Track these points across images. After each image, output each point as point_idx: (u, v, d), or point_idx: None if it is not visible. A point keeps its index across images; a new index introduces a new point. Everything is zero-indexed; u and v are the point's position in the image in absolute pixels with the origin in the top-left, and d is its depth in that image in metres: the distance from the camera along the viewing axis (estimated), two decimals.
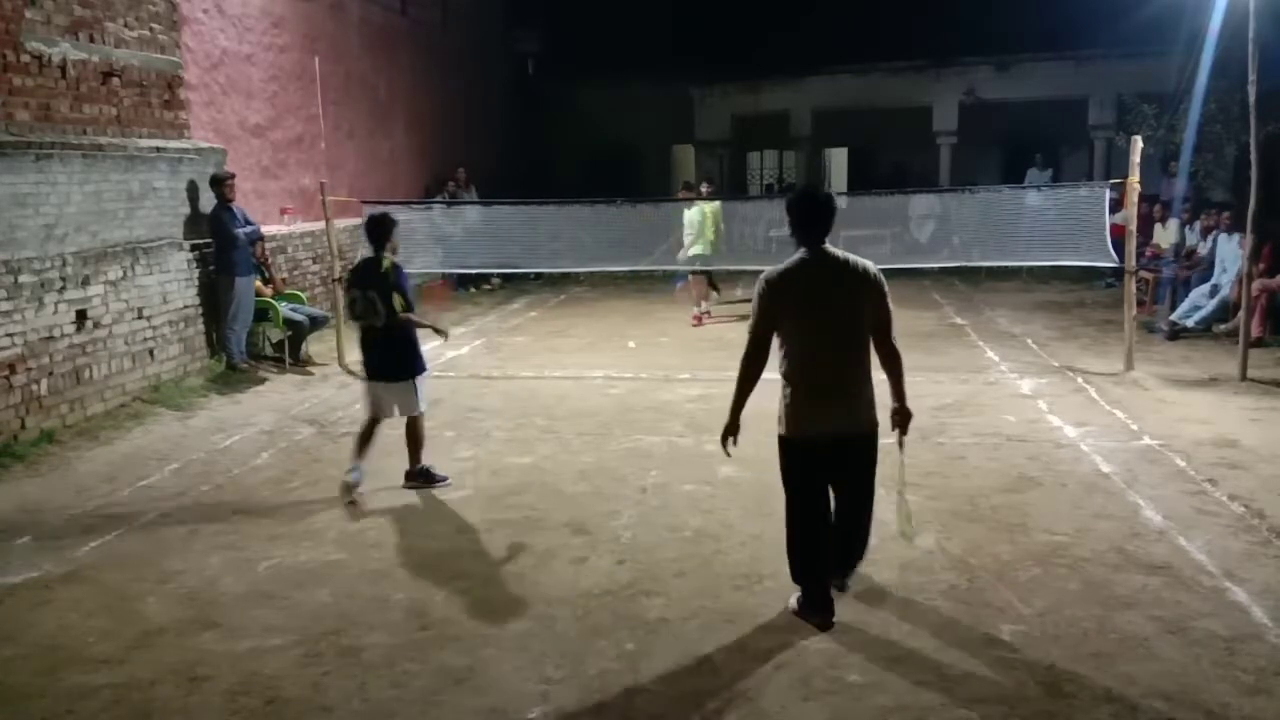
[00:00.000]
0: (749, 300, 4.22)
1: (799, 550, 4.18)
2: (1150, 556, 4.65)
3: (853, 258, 4.04)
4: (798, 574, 4.21)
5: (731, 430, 4.15)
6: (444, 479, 6.01)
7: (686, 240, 11.70)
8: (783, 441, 4.13)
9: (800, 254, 4.04)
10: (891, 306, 4.06)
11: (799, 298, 3.99)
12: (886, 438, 4.19)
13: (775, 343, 4.07)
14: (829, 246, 4.03)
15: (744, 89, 19.53)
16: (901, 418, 4.14)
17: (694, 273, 11.99)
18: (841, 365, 4.01)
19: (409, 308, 5.86)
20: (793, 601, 4.21)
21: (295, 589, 4.59)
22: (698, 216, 11.57)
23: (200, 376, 8.77)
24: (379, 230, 5.92)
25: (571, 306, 13.45)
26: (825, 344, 4.01)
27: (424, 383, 6.03)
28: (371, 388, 5.97)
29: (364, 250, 10.35)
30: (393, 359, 5.90)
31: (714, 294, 13.42)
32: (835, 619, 4.07)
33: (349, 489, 5.76)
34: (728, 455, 4.17)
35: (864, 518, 4.26)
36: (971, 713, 3.42)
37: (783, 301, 4.00)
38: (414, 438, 6.01)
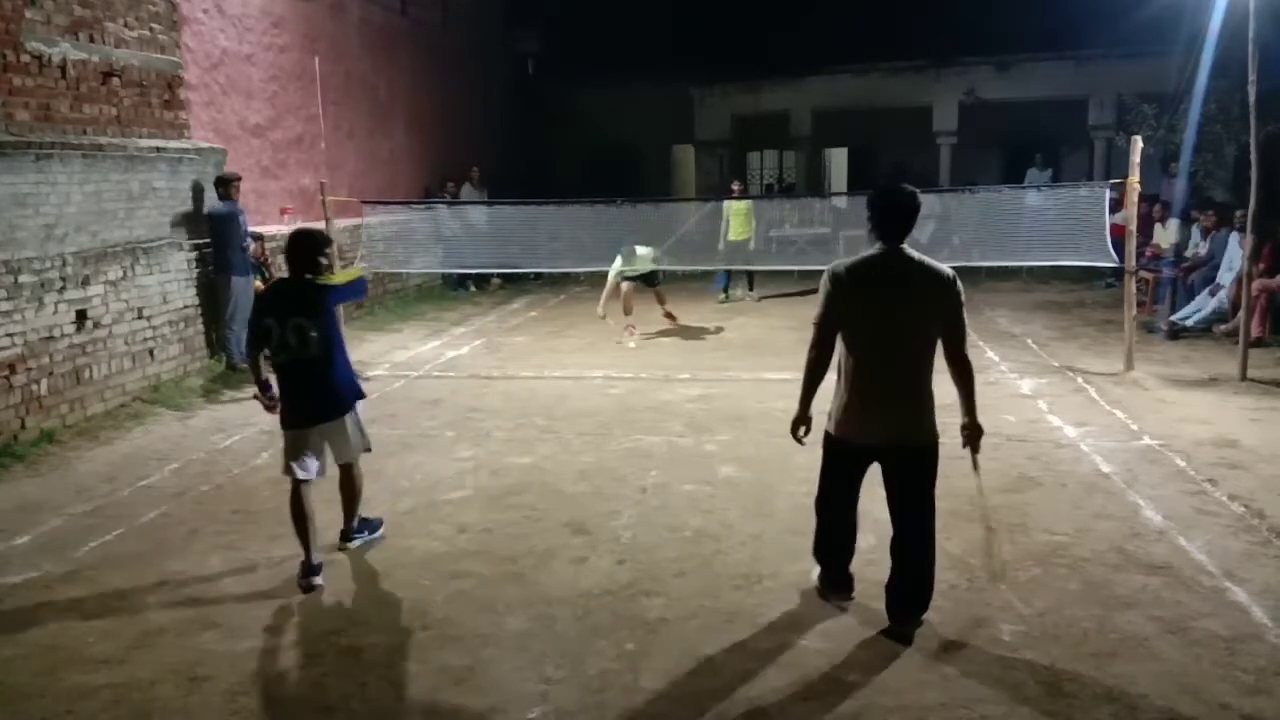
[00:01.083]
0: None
1: (825, 533, 4.22)
2: (1150, 556, 4.65)
3: (930, 261, 3.84)
4: (820, 552, 4.26)
5: (801, 421, 3.99)
6: (379, 523, 5.19)
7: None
8: (827, 437, 4.03)
9: (873, 250, 3.87)
10: (966, 317, 3.86)
11: (864, 296, 3.82)
12: (953, 456, 3.99)
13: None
14: (907, 248, 3.84)
15: (744, 89, 19.50)
16: (972, 433, 3.88)
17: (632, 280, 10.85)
18: (901, 370, 3.83)
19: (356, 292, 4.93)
20: (813, 577, 4.29)
21: (295, 589, 4.59)
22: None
23: (200, 376, 8.77)
24: (309, 250, 4.65)
25: (571, 306, 13.42)
26: (886, 347, 3.83)
27: (364, 411, 4.94)
28: (300, 438, 4.71)
29: (362, 250, 10.53)
30: (331, 394, 4.73)
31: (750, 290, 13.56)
32: (835, 619, 4.08)
33: (311, 583, 4.61)
34: (801, 444, 4.04)
35: (923, 546, 3.92)
36: (971, 713, 3.42)
37: (847, 298, 3.83)
38: (351, 491, 4.97)
